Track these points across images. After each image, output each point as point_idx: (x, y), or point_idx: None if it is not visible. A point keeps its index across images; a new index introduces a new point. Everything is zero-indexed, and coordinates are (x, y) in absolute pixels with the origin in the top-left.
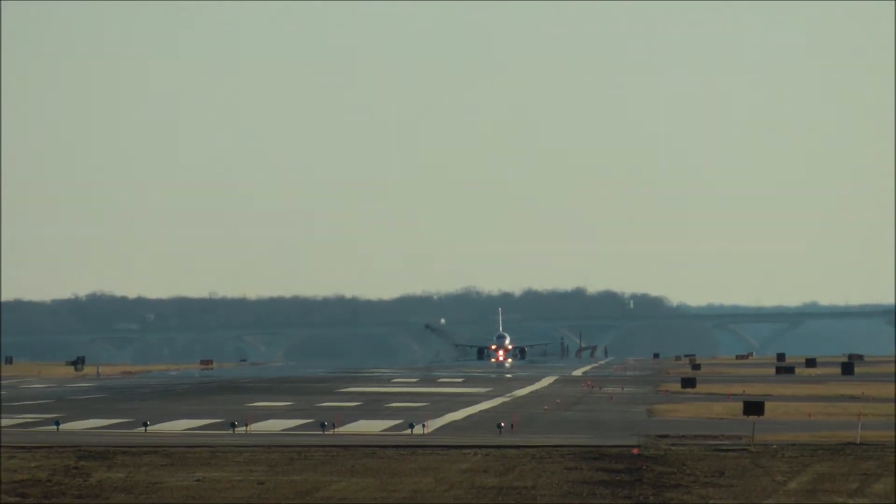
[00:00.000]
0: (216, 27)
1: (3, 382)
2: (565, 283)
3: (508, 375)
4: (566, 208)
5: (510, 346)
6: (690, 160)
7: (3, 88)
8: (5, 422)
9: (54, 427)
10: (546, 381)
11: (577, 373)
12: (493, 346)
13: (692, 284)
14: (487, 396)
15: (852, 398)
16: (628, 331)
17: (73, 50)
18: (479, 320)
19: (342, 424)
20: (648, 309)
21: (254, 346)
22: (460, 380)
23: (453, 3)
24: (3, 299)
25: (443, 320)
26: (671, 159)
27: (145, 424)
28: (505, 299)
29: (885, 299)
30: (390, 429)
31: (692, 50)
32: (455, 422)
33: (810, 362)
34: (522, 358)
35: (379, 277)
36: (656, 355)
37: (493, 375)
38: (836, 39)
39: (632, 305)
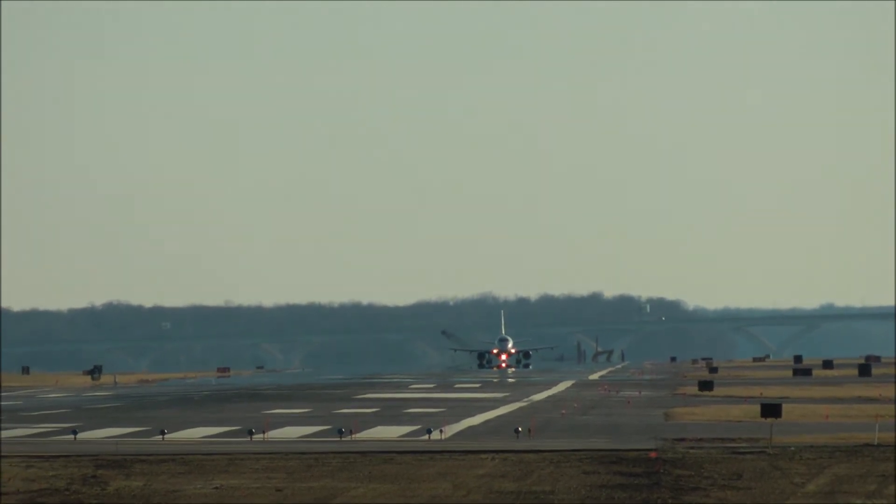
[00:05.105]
0: (217, 30)
1: (20, 392)
2: (581, 288)
3: (512, 380)
4: (582, 213)
5: (513, 350)
6: (705, 164)
7: (7, 94)
8: (22, 431)
9: (72, 436)
10: (563, 386)
11: (594, 377)
12: (496, 350)
13: (709, 288)
14: (505, 401)
15: (869, 400)
16: (645, 335)
17: (81, 57)
18: (495, 325)
19: (360, 431)
20: (665, 312)
21: (271, 354)
22: (477, 385)
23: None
24: (18, 308)
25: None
26: (686, 163)
27: (163, 433)
28: (521, 304)
29: None
30: (408, 434)
31: (704, 52)
32: (473, 427)
33: (827, 364)
34: (526, 365)
35: (395, 284)
36: (673, 359)
37: (509, 380)
38: (846, 39)
39: (648, 309)
